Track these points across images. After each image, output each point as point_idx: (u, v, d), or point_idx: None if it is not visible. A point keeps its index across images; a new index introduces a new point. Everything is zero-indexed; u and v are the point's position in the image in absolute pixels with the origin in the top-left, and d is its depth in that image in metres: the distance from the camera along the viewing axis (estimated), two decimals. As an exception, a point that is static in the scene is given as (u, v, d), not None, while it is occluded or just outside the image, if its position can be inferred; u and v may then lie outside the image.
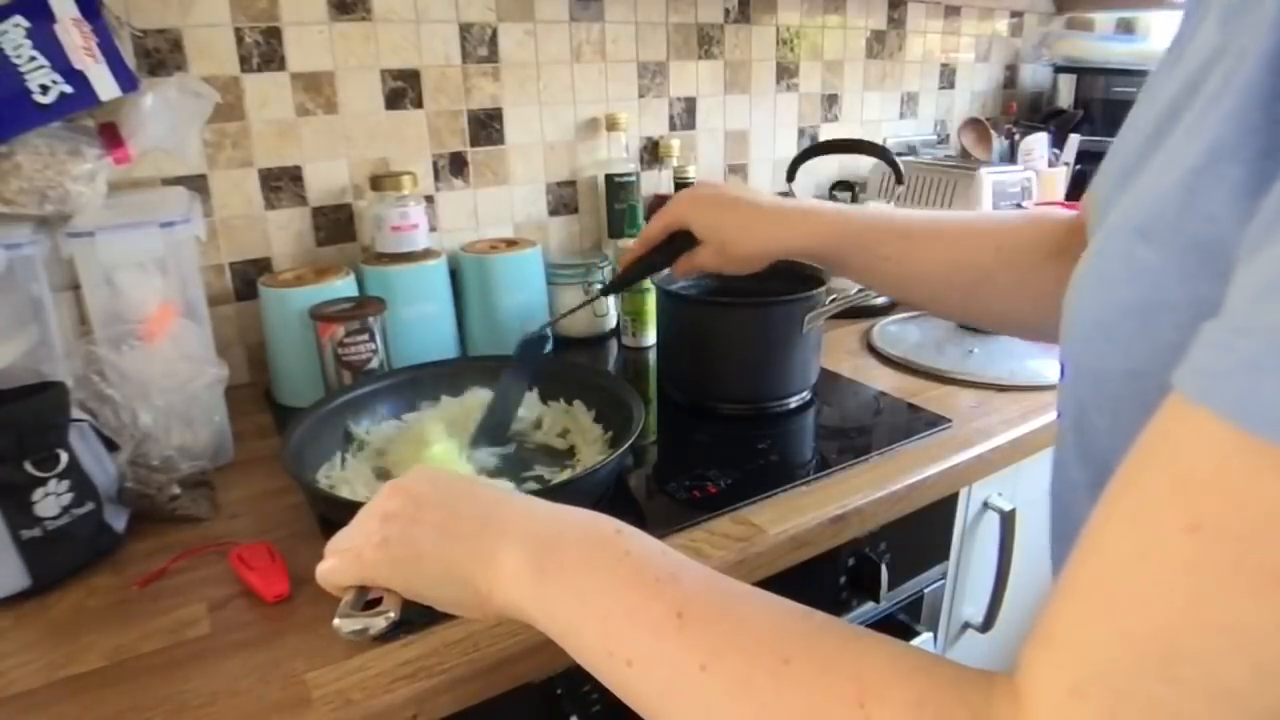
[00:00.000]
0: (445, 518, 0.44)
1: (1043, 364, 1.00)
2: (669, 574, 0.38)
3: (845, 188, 1.27)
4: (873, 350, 1.10)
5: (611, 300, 1.16)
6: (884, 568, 0.80)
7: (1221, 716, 0.23)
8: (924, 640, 0.91)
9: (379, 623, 0.44)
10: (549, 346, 0.85)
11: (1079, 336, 0.37)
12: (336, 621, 0.44)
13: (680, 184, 1.21)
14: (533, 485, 0.74)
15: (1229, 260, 0.25)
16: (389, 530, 0.44)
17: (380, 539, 0.44)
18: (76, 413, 0.66)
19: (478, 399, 0.86)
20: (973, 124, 1.52)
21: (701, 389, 0.95)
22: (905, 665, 0.31)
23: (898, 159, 1.17)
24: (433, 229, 1.11)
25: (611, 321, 1.18)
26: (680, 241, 0.73)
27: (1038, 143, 1.49)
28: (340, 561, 0.45)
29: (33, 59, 0.66)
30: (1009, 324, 0.69)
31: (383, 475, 0.76)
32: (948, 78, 1.69)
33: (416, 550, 0.43)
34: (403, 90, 1.06)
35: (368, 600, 0.45)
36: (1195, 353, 0.25)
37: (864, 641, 0.33)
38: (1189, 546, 0.23)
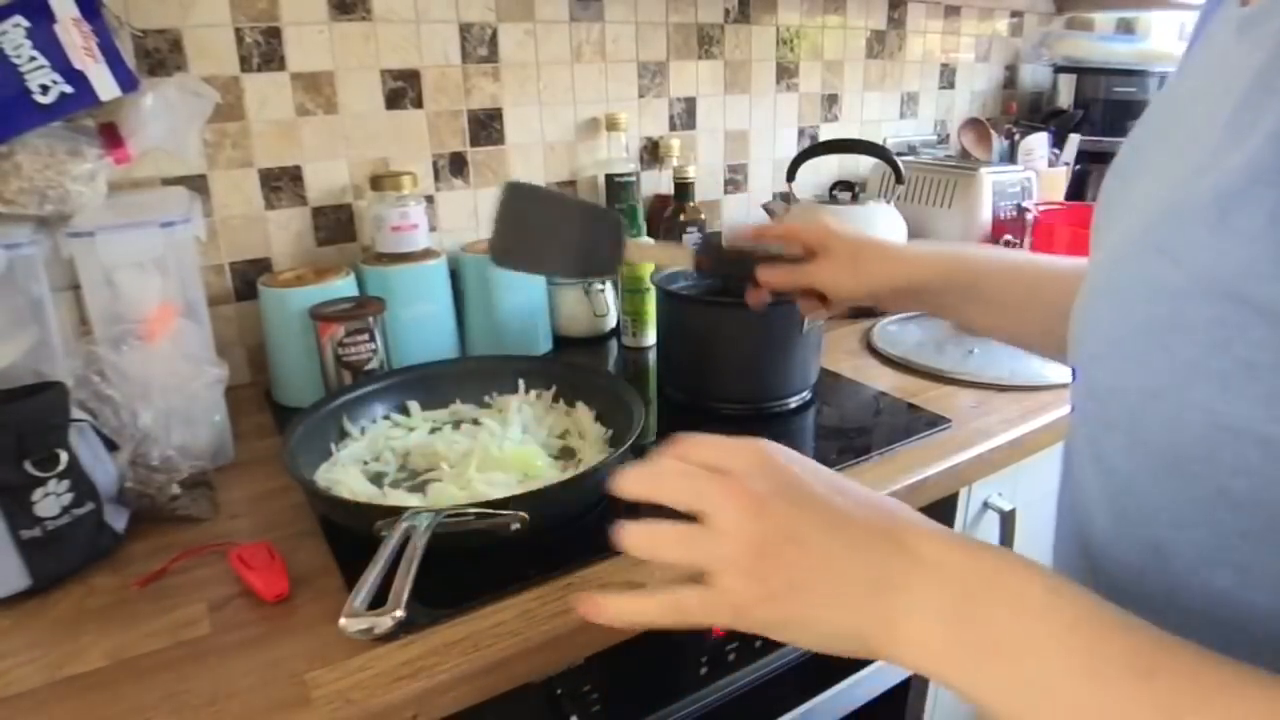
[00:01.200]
0: (827, 564, 0.36)
1: (1043, 364, 1.00)
2: (1140, 657, 0.30)
3: (845, 188, 1.27)
4: (873, 350, 1.10)
5: (611, 300, 1.16)
6: (884, 568, 0.80)
7: None
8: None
9: (385, 622, 0.44)
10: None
11: (1093, 354, 0.37)
12: (343, 621, 0.44)
13: (680, 184, 1.20)
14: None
15: (1257, 281, 0.25)
16: (774, 583, 0.36)
17: (765, 594, 0.36)
18: (76, 413, 0.66)
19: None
20: (973, 124, 1.52)
21: (701, 389, 0.95)
22: None
23: (898, 159, 1.18)
24: (433, 229, 1.11)
25: (611, 321, 1.18)
26: (746, 268, 0.72)
27: (1038, 143, 1.49)
28: (706, 602, 0.37)
29: (33, 59, 0.66)
30: None
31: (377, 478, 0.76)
32: (948, 78, 1.69)
33: (806, 613, 0.36)
34: (403, 90, 1.06)
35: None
36: None
37: None
38: None
